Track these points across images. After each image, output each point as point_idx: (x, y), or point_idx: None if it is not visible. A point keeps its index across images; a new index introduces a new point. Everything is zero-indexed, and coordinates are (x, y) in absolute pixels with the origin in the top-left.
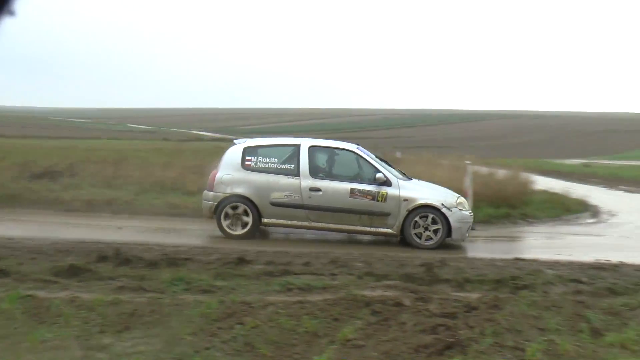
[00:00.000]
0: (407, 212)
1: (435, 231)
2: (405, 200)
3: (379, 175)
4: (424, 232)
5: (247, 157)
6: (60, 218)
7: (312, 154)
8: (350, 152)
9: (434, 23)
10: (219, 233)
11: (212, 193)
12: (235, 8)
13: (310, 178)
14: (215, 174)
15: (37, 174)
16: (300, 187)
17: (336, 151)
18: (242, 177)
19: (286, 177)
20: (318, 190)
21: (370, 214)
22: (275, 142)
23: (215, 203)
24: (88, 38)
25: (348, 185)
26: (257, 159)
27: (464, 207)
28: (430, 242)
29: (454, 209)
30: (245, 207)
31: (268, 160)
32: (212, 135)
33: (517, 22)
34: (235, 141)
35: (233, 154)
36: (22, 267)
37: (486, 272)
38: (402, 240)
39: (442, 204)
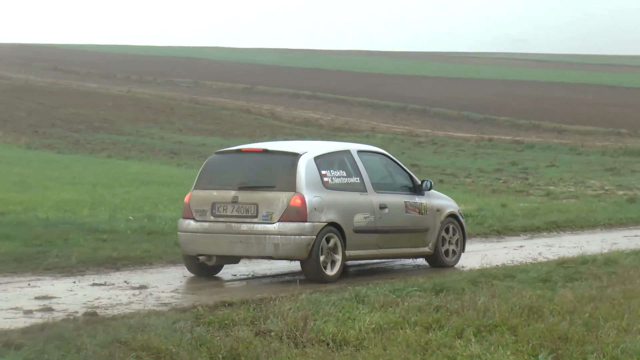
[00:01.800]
0: (440, 225)
1: (457, 244)
2: (438, 210)
3: (416, 181)
4: (449, 246)
5: (323, 172)
6: None
7: (364, 162)
8: (382, 155)
9: None
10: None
11: (308, 224)
12: None
13: (375, 192)
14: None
15: None
16: (373, 205)
17: (373, 156)
18: (328, 199)
19: (359, 193)
20: (385, 207)
21: (417, 231)
22: (331, 149)
23: (315, 236)
24: None
25: (401, 198)
26: (330, 172)
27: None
28: (454, 258)
29: (463, 218)
30: (337, 238)
31: (339, 173)
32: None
33: None
34: (217, 152)
35: (308, 168)
36: None
37: None
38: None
39: (459, 211)
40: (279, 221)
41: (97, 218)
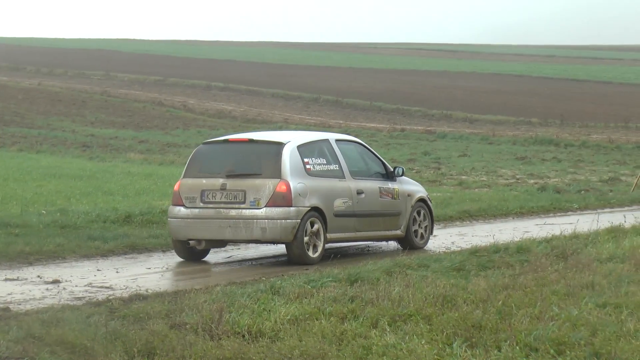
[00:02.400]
0: (410, 209)
1: (426, 228)
2: (409, 195)
3: (389, 168)
4: (419, 229)
5: (305, 159)
6: None
7: (342, 150)
8: (357, 144)
9: None
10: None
11: (293, 208)
12: None
13: (352, 179)
14: (185, 183)
15: None
16: (351, 190)
17: (350, 144)
18: (311, 185)
19: (337, 179)
20: (361, 192)
21: (390, 215)
22: (312, 138)
23: (299, 220)
24: None
25: (376, 184)
26: (312, 160)
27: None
28: (423, 241)
29: (431, 202)
30: (319, 222)
31: (319, 161)
32: None
33: None
34: (205, 142)
35: (292, 156)
36: None
37: None
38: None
39: (427, 197)
40: (265, 206)
41: (9, 212)
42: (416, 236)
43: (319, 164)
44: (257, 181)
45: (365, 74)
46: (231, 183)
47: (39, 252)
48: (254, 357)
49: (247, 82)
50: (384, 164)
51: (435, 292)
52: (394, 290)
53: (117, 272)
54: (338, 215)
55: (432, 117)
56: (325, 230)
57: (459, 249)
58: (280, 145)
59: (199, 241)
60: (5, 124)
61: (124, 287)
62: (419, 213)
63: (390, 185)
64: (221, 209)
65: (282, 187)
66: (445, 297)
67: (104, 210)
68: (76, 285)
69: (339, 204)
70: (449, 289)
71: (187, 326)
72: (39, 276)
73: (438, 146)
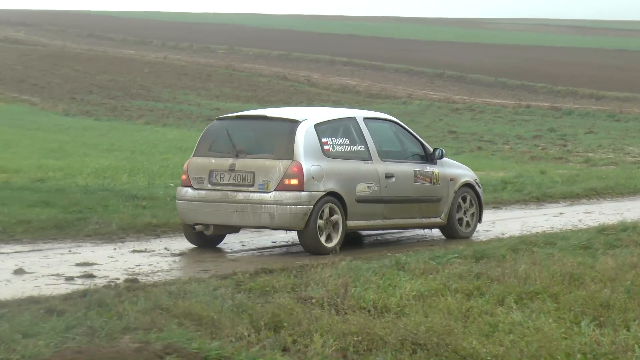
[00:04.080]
0: (454, 195)
1: (472, 215)
2: (452, 179)
3: (428, 149)
4: (464, 216)
5: (323, 139)
6: None
7: (370, 129)
8: (391, 123)
9: None
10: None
11: (305, 193)
12: None
13: (381, 161)
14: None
15: None
16: (378, 173)
17: (382, 123)
18: (328, 168)
19: (362, 162)
20: (391, 176)
21: (428, 201)
22: (335, 116)
23: (312, 207)
24: None
25: (410, 167)
26: (332, 140)
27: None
28: (469, 230)
29: (480, 188)
30: (338, 208)
31: (341, 141)
32: None
33: None
34: (218, 118)
35: (308, 135)
36: None
37: None
38: (444, 231)
39: (475, 181)
40: (275, 190)
41: (136, 185)
42: (460, 224)
43: (341, 145)
44: (268, 162)
45: (490, 50)
46: (240, 164)
47: (165, 224)
48: (379, 332)
49: (370, 57)
50: (422, 145)
51: (562, 270)
52: (520, 267)
53: (242, 245)
54: (361, 200)
55: (557, 93)
56: (345, 217)
57: (586, 226)
58: (295, 123)
59: (206, 226)
60: (132, 97)
61: (249, 261)
62: (464, 199)
63: (428, 168)
64: (229, 192)
65: (294, 170)
66: (573, 276)
67: None
68: (202, 259)
69: (362, 188)
70: (576, 267)
71: (313, 300)
72: (166, 248)
73: (564, 123)
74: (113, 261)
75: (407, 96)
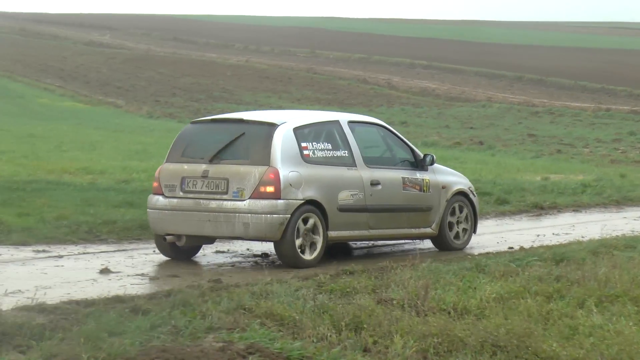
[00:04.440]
0: (446, 204)
1: (466, 226)
2: (444, 187)
3: (418, 155)
4: (458, 226)
5: (303, 144)
6: None
7: (355, 134)
8: (379, 127)
9: None
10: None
11: (282, 201)
12: None
13: (366, 167)
14: (165, 169)
15: None
16: (362, 180)
17: (369, 127)
18: (308, 174)
19: (346, 168)
20: (377, 183)
21: (417, 210)
22: (316, 119)
23: (289, 216)
24: None
25: (398, 174)
26: (313, 145)
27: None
28: (464, 240)
29: (475, 196)
30: (317, 218)
31: (323, 146)
32: None
33: None
34: (192, 122)
35: (286, 140)
36: None
37: None
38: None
39: (470, 189)
40: (250, 198)
41: None
42: (455, 236)
43: (322, 150)
44: (242, 168)
45: (570, 53)
46: (214, 170)
47: None
48: (459, 334)
49: (450, 61)
50: (412, 150)
51: None
52: (600, 270)
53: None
54: (344, 209)
55: (637, 97)
56: (327, 228)
57: None
58: (272, 126)
59: (178, 237)
60: (214, 99)
61: (330, 262)
62: (460, 209)
63: (418, 175)
64: (201, 200)
65: (270, 176)
66: None
67: None
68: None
69: (345, 196)
70: None
71: (394, 302)
72: (248, 249)
73: None
74: (196, 261)
75: (487, 99)
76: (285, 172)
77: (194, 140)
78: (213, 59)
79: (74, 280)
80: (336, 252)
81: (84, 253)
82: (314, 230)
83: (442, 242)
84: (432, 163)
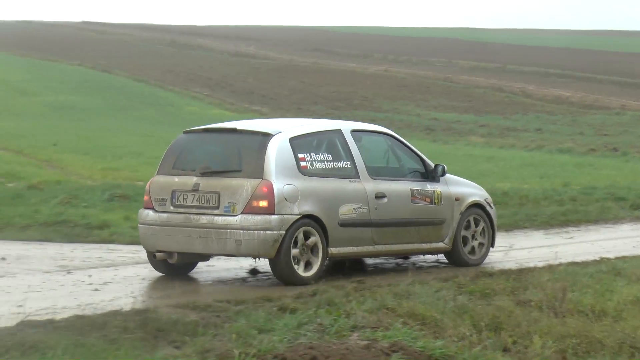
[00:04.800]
0: (459, 217)
1: (482, 239)
2: (457, 199)
3: (429, 166)
4: (473, 241)
5: (300, 155)
6: None
7: (359, 143)
8: (385, 136)
9: None
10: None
11: (276, 217)
12: None
13: (370, 179)
14: (158, 182)
15: None
16: (366, 193)
17: (374, 136)
18: (305, 187)
19: (348, 180)
20: (383, 196)
21: (428, 224)
22: (315, 128)
23: (284, 232)
24: None
25: (407, 186)
26: (311, 156)
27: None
28: (480, 255)
29: (492, 208)
30: (316, 233)
31: (323, 157)
32: None
33: None
34: (185, 131)
35: (281, 150)
36: None
37: None
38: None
39: (487, 201)
40: (242, 213)
41: None
42: (470, 251)
43: (322, 161)
44: (234, 181)
45: None
46: (205, 183)
47: None
48: (597, 336)
49: (584, 69)
50: (423, 160)
51: None
52: None
53: None
54: (345, 224)
55: None
56: (327, 244)
57: None
58: (266, 136)
59: (169, 254)
60: (354, 107)
61: (469, 267)
62: (475, 222)
63: (429, 187)
64: (192, 215)
65: (263, 190)
66: None
67: None
68: (425, 262)
69: (347, 210)
70: None
71: (532, 303)
72: None
73: None
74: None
75: (620, 107)
76: (280, 185)
77: (185, 151)
78: (353, 68)
79: (224, 280)
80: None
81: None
82: (312, 246)
83: (456, 258)
84: (443, 174)
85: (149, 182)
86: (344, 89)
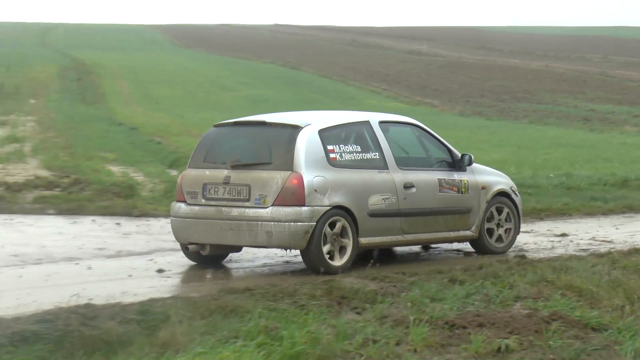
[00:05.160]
0: (486, 205)
1: (508, 228)
2: (483, 188)
3: (456, 155)
4: (497, 229)
5: (329, 147)
6: None
7: (387, 134)
8: (413, 127)
9: None
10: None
11: (307, 208)
12: None
13: (399, 170)
14: (189, 176)
15: None
16: (395, 184)
17: (402, 127)
18: (334, 179)
19: (377, 171)
20: (411, 186)
21: (456, 212)
22: (344, 120)
23: (315, 223)
24: None
25: (434, 176)
26: (340, 147)
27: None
28: (506, 243)
29: (518, 196)
30: (346, 224)
31: (352, 148)
32: None
33: None
34: (215, 125)
35: (310, 143)
36: None
37: None
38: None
39: (512, 189)
40: (272, 205)
41: (522, 175)
42: (496, 238)
43: (351, 152)
44: (264, 174)
45: None
46: (235, 176)
47: (548, 209)
48: None
49: None
50: (450, 150)
51: None
52: None
53: (616, 228)
54: (375, 214)
55: None
56: (357, 234)
57: None
58: (295, 129)
59: (202, 245)
60: (517, 100)
61: (623, 242)
62: (499, 210)
63: (456, 176)
64: (223, 207)
65: (293, 182)
66: None
67: (603, 175)
68: (581, 239)
69: (376, 200)
70: None
71: None
72: (548, 230)
73: None
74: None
75: None
76: (310, 177)
77: (216, 145)
78: (516, 64)
79: (400, 254)
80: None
81: None
82: (342, 236)
83: (482, 245)
84: (470, 163)
85: (180, 176)
86: (507, 83)
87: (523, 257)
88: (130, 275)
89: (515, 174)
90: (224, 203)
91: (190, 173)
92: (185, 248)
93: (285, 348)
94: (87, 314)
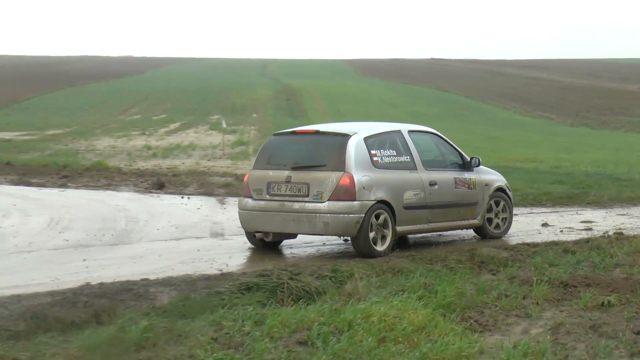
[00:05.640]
0: (488, 198)
1: (504, 219)
2: (487, 185)
3: (466, 158)
4: (494, 218)
5: (372, 151)
6: None
7: (414, 141)
8: (432, 135)
9: None
10: None
11: (357, 202)
12: None
13: (425, 170)
14: (254, 175)
15: None
16: (423, 181)
17: (424, 135)
18: (377, 178)
19: (408, 171)
20: (435, 184)
21: (466, 205)
22: (382, 129)
23: (364, 215)
24: None
25: (451, 175)
26: (380, 152)
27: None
28: (502, 229)
29: (510, 191)
30: (387, 215)
31: (389, 153)
32: None
33: None
34: (275, 134)
35: (358, 148)
36: None
37: None
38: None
39: (506, 185)
40: (328, 200)
41: (619, 171)
42: (494, 226)
43: (388, 156)
44: (321, 174)
45: None
46: (295, 176)
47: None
48: None
49: None
50: (460, 154)
51: None
52: None
53: None
54: (408, 207)
55: None
56: (394, 223)
57: None
58: (345, 137)
59: (266, 233)
60: (615, 114)
61: None
62: (497, 203)
63: (466, 175)
64: (285, 202)
65: (346, 181)
66: None
67: None
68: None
69: (409, 195)
70: None
71: None
72: None
73: None
74: (604, 220)
75: None
76: (359, 177)
77: (277, 150)
78: (615, 87)
79: (524, 230)
80: None
81: (530, 213)
82: (384, 225)
83: (484, 232)
84: (478, 165)
85: (246, 176)
86: (608, 101)
87: (621, 234)
88: (324, 244)
89: (613, 170)
90: (286, 198)
91: (255, 173)
92: (252, 236)
93: (439, 299)
94: (293, 270)
